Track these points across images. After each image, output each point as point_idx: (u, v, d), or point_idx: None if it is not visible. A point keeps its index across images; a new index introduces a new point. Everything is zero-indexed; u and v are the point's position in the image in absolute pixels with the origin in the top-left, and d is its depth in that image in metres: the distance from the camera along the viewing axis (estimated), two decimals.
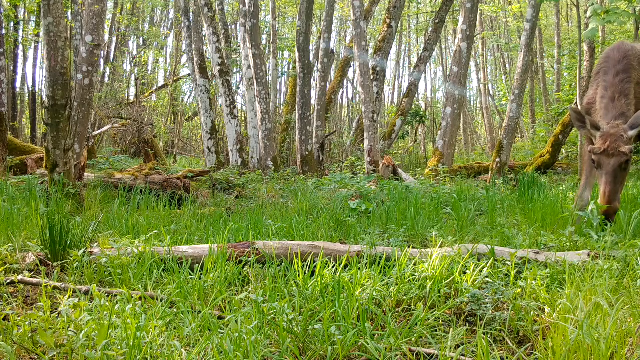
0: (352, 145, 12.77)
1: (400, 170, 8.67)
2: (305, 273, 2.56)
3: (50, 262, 3.00)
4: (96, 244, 3.14)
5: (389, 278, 2.57)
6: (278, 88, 18.98)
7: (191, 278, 2.57)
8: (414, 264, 2.73)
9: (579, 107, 4.85)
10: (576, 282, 2.36)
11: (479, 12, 14.44)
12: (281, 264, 2.80)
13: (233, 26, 19.11)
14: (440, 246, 3.03)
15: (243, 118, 16.63)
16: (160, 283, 2.69)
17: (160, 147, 15.07)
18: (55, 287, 2.53)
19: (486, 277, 2.59)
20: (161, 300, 2.31)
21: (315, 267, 2.66)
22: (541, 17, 17.10)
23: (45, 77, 5.01)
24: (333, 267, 2.69)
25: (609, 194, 3.49)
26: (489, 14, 20.62)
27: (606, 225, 3.46)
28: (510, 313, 2.23)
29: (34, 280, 2.65)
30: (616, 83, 3.89)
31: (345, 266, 2.81)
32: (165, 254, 2.88)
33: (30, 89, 17.05)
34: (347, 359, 1.95)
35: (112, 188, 5.90)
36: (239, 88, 18.86)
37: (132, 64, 22.41)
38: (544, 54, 18.69)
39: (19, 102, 17.97)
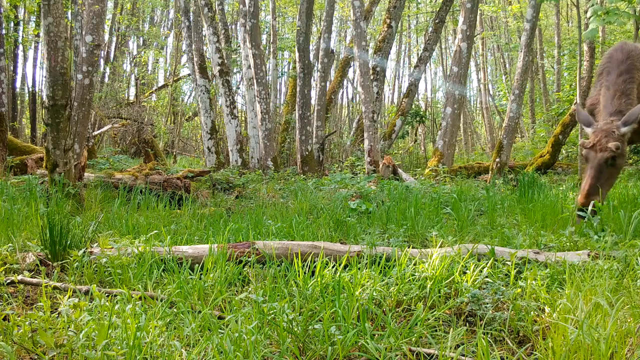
0: (352, 145, 12.77)
1: (400, 170, 8.67)
2: (305, 273, 2.56)
3: (50, 262, 3.00)
4: (96, 244, 3.14)
5: (389, 278, 2.57)
6: (278, 88, 18.98)
7: (191, 278, 2.57)
8: (414, 264, 2.73)
9: (579, 108, 4.86)
10: (576, 282, 2.36)
11: (479, 12, 14.44)
12: (281, 264, 2.79)
13: (233, 26, 19.11)
14: (440, 246, 3.03)
15: (243, 118, 16.62)
16: (160, 283, 2.69)
17: (160, 147, 15.08)
18: (55, 287, 2.53)
19: (486, 277, 2.59)
20: (161, 300, 2.31)
21: (315, 267, 2.66)
22: (541, 17, 17.10)
23: (45, 77, 5.01)
24: (333, 267, 2.69)
25: (589, 188, 3.54)
26: (489, 14, 20.63)
27: (583, 218, 3.51)
28: (510, 313, 2.23)
29: (34, 280, 2.65)
30: (619, 82, 3.91)
31: (345, 266, 2.81)
32: (165, 254, 2.87)
33: (30, 89, 17.05)
34: (347, 359, 1.95)
35: (112, 188, 5.90)
36: (239, 88, 18.86)
37: (132, 64, 22.42)
38: (544, 54, 18.69)
39: (19, 102, 17.97)
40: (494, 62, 24.30)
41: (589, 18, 6.17)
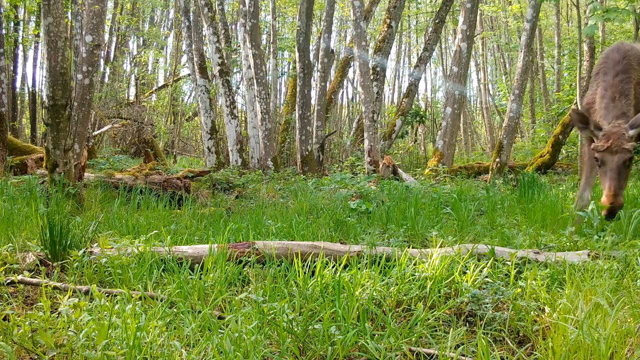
0: (352, 145, 12.77)
1: (400, 170, 8.67)
2: (305, 273, 2.56)
3: (50, 262, 3.00)
4: (96, 244, 3.14)
5: (389, 278, 2.57)
6: (278, 88, 18.97)
7: (191, 278, 2.57)
8: (414, 264, 2.73)
9: (579, 108, 4.86)
10: (576, 282, 2.36)
11: (479, 12, 14.44)
12: (281, 264, 2.79)
13: (233, 26, 19.10)
14: (440, 246, 3.03)
15: (243, 118, 16.62)
16: (160, 283, 2.69)
17: (160, 147, 15.07)
18: (55, 287, 2.53)
19: (486, 277, 2.59)
20: (161, 300, 2.31)
21: (315, 267, 2.66)
22: (541, 17, 17.10)
23: (45, 77, 5.01)
24: (333, 267, 2.69)
25: (615, 189, 3.49)
26: (489, 14, 20.62)
27: (609, 221, 3.45)
28: (510, 313, 2.23)
29: (34, 280, 2.65)
30: (616, 83, 3.90)
31: (345, 266, 2.81)
32: (165, 254, 2.87)
33: (30, 89, 17.05)
34: (347, 359, 1.95)
35: (112, 188, 5.90)
36: (239, 88, 18.86)
37: (132, 64, 22.42)
38: (544, 54, 18.68)
39: (19, 102, 17.97)
40: (494, 62, 24.30)
41: (589, 17, 6.17)
